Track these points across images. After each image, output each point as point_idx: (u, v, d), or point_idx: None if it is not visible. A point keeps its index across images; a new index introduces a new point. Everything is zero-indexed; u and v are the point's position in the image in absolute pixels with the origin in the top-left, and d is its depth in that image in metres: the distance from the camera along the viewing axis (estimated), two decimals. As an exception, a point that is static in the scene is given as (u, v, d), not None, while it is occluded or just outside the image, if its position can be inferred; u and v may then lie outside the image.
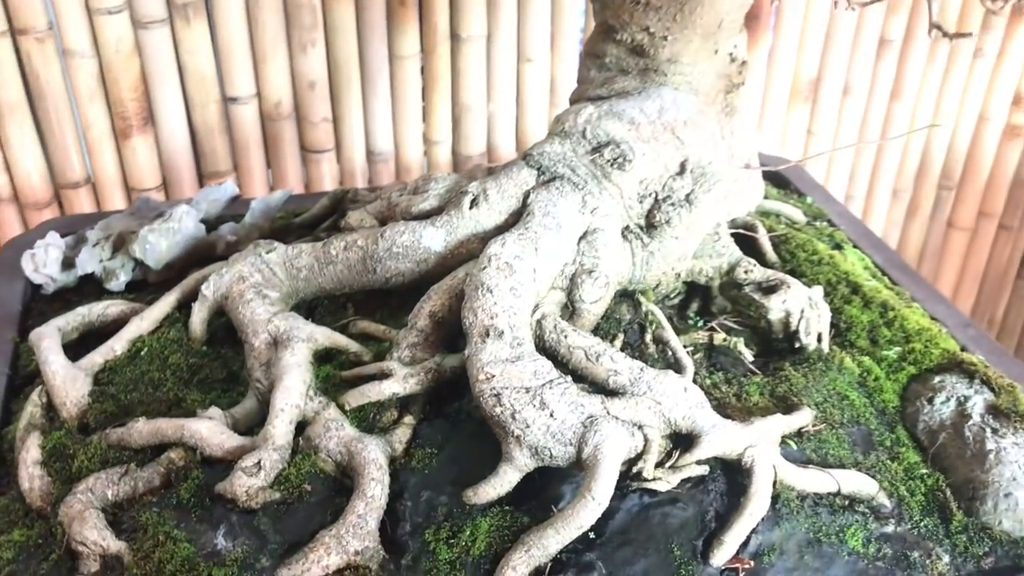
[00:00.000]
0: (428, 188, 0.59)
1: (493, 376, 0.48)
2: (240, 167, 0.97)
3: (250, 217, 0.67)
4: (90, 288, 0.66)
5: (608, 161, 0.56)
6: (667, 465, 0.49)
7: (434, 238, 0.56)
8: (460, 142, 1.01)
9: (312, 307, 0.61)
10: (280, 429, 0.50)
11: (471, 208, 0.56)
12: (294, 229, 0.69)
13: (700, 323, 0.61)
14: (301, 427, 0.52)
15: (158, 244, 0.63)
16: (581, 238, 0.55)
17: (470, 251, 0.56)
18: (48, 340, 0.56)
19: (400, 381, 0.52)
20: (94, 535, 0.46)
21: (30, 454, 0.52)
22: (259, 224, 0.67)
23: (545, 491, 0.49)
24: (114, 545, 0.46)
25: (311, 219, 0.69)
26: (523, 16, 0.96)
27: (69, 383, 0.55)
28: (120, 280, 0.64)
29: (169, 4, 0.87)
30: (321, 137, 0.97)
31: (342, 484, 0.50)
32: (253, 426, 0.53)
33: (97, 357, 0.57)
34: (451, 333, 0.55)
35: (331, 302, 0.61)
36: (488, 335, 0.49)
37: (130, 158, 0.93)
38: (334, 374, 0.55)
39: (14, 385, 0.58)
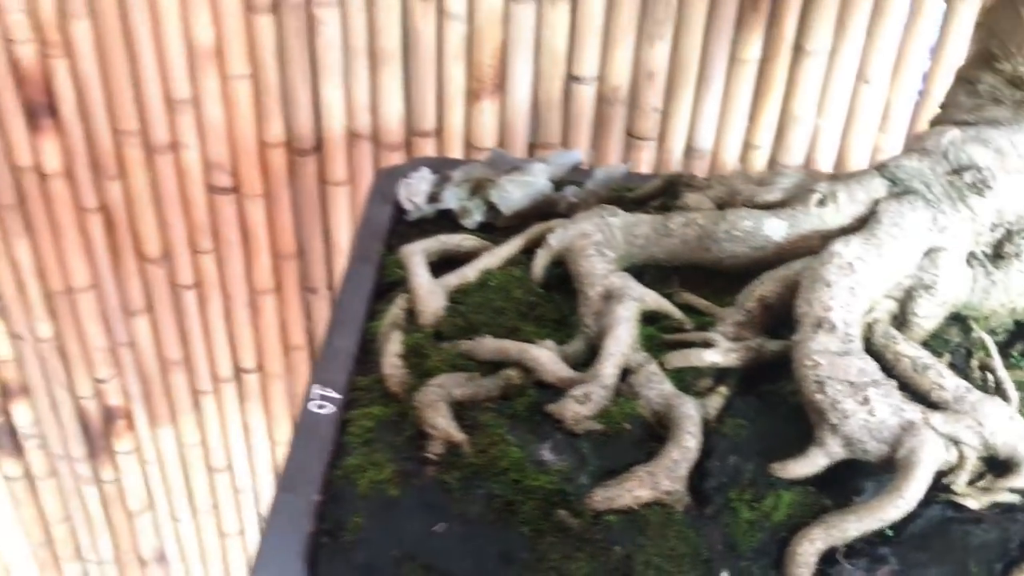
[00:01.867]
0: (774, 181, 0.62)
1: (819, 364, 0.51)
2: (567, 141, 1.04)
3: (591, 184, 0.73)
4: (444, 222, 0.74)
5: (967, 184, 0.56)
6: (979, 485, 0.49)
7: (775, 228, 0.60)
8: (780, 151, 1.02)
9: (640, 273, 0.65)
10: (608, 370, 0.55)
11: (818, 206, 0.59)
12: (625, 202, 0.75)
13: None
14: (624, 374, 0.57)
15: (513, 193, 0.71)
16: (925, 254, 0.56)
17: (809, 246, 0.59)
18: (417, 256, 0.65)
19: (722, 352, 0.56)
20: (443, 423, 0.54)
21: (392, 347, 0.60)
22: (598, 192, 0.73)
23: (847, 482, 0.51)
24: (458, 435, 0.53)
25: (643, 195, 0.74)
26: (871, 37, 0.96)
27: (430, 295, 0.63)
28: (474, 219, 0.72)
29: (541, -17, 0.95)
30: (648, 126, 1.02)
31: (655, 432, 0.54)
32: (578, 365, 0.59)
33: (452, 279, 0.65)
34: (774, 320, 0.58)
35: (658, 272, 0.66)
36: (820, 326, 0.52)
37: (476, 117, 1.03)
38: (656, 336, 0.60)
39: (379, 289, 0.67)
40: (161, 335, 1.21)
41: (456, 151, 1.05)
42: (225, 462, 1.33)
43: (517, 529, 0.50)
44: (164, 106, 1.04)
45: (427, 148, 1.05)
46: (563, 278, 0.65)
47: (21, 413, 1.30)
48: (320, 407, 0.57)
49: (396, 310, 0.63)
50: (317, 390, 0.58)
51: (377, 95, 1.02)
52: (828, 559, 0.48)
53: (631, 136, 1.03)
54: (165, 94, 1.03)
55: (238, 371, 1.24)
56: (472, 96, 1.02)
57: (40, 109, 1.05)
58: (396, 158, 1.06)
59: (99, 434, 1.31)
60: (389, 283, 0.68)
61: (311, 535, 0.50)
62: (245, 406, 1.27)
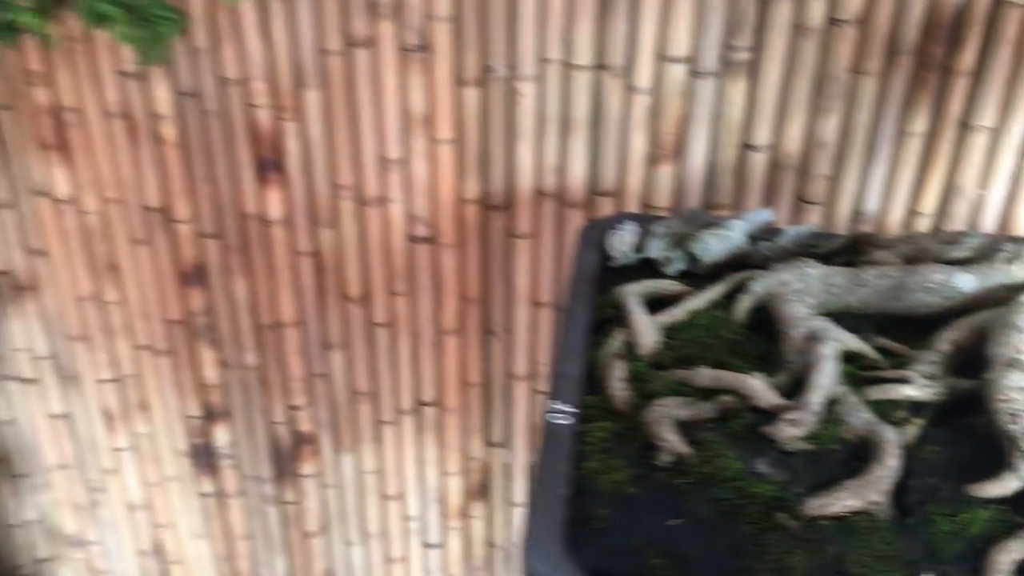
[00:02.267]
0: (962, 241, 0.70)
1: (1012, 399, 0.58)
2: (738, 203, 1.13)
3: (783, 239, 0.82)
4: (645, 269, 0.84)
5: None
6: None
7: (966, 281, 0.67)
8: (944, 218, 1.09)
9: (834, 319, 0.73)
10: (816, 399, 0.64)
11: (1005, 263, 0.66)
12: (814, 257, 0.83)
13: None
14: (828, 404, 0.65)
15: (713, 245, 0.80)
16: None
17: (996, 297, 0.66)
18: (633, 296, 0.75)
19: (918, 388, 0.64)
20: (670, 436, 0.63)
21: (616, 373, 0.70)
22: (788, 247, 0.82)
23: (1038, 505, 0.58)
24: (684, 448, 0.62)
25: (830, 251, 0.83)
26: (1036, 114, 1.03)
27: (647, 329, 0.73)
28: (675, 267, 0.82)
29: (722, 61, 1.05)
30: (817, 190, 1.10)
31: (859, 454, 0.62)
32: (785, 396, 0.67)
33: (664, 317, 0.74)
34: (964, 362, 0.65)
35: (851, 319, 0.74)
36: (1012, 365, 0.60)
37: (654, 180, 1.13)
38: (854, 373, 0.68)
39: (595, 324, 0.78)
40: (353, 368, 1.34)
41: (633, 210, 1.15)
42: (398, 490, 1.44)
43: (742, 527, 0.58)
44: (377, 165, 1.18)
45: (606, 207, 1.15)
46: (762, 320, 0.74)
47: (220, 435, 1.44)
48: (559, 419, 0.67)
49: (616, 342, 0.73)
50: (555, 406, 0.68)
51: (565, 158, 1.14)
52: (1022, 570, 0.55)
53: (800, 199, 1.11)
54: (379, 154, 1.18)
55: (418, 404, 1.35)
56: (652, 160, 1.12)
57: (269, 164, 1.21)
58: (577, 215, 1.17)
59: (287, 457, 1.44)
60: (603, 319, 0.78)
61: (564, 523, 0.59)
62: (421, 438, 1.38)
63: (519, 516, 1.42)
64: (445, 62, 1.11)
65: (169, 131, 1.20)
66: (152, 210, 1.26)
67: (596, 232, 0.86)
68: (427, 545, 1.48)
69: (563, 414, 0.67)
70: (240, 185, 1.23)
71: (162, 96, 1.18)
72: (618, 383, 0.69)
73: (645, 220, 0.87)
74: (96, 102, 1.19)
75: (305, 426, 1.41)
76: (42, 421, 1.48)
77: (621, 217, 0.88)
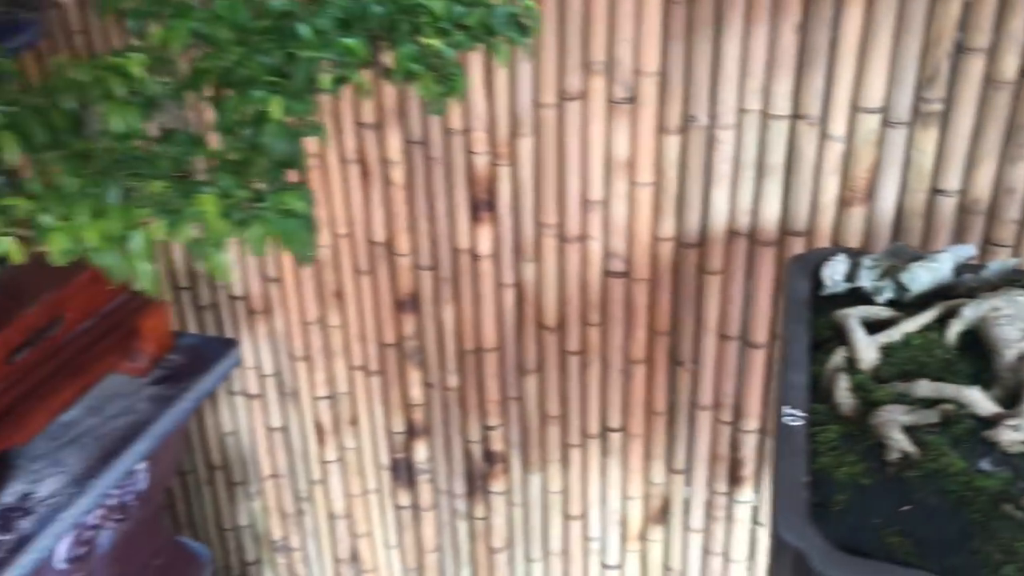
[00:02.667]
0: None
1: None
2: (926, 244, 1.20)
3: (987, 272, 0.89)
4: (852, 298, 0.92)
5: None
6: None
7: None
8: None
9: (1040, 343, 0.80)
10: (1034, 409, 0.71)
11: None
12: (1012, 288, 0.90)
13: None
14: (1043, 415, 0.72)
15: (922, 276, 0.88)
16: None
17: None
18: (852, 319, 0.84)
19: None
20: (898, 437, 0.71)
21: (842, 383, 0.78)
22: (991, 279, 0.89)
23: None
24: (910, 447, 0.70)
25: (1030, 285, 0.89)
26: None
27: (867, 347, 0.81)
28: (884, 296, 0.90)
29: (914, 111, 1.13)
30: (1005, 234, 1.16)
31: (1078, 460, 0.68)
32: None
33: (881, 337, 0.83)
34: None
35: (1055, 343, 0.80)
36: None
37: (844, 221, 1.21)
38: (1065, 389, 0.74)
39: (813, 343, 0.86)
40: (545, 393, 1.46)
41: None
42: (581, 511, 1.54)
43: (970, 515, 0.66)
44: (580, 205, 1.30)
45: (797, 246, 1.24)
46: (970, 344, 0.81)
47: (420, 451, 1.58)
48: (792, 421, 0.76)
49: (837, 358, 0.82)
50: (787, 409, 0.77)
51: (758, 200, 1.23)
52: None
53: (989, 243, 1.17)
54: (582, 196, 1.30)
55: (605, 429, 1.45)
56: (843, 203, 1.20)
57: (482, 204, 1.35)
58: (768, 253, 1.26)
59: (479, 475, 1.56)
60: (821, 340, 0.87)
61: (808, 505, 0.68)
62: (606, 461, 1.48)
63: (697, 542, 1.49)
64: (650, 112, 1.22)
65: (397, 175, 1.36)
66: (377, 244, 1.42)
67: (807, 263, 0.95)
68: (606, 566, 1.57)
69: (795, 416, 0.76)
70: (455, 223, 1.37)
71: (394, 144, 1.34)
72: (844, 392, 0.78)
73: (854, 253, 0.95)
74: (336, 149, 1.37)
75: (498, 445, 1.52)
76: (261, 433, 1.65)
77: (832, 250, 0.96)
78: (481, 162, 1.32)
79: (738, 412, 1.38)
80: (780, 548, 0.65)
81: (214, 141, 0.75)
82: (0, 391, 0.95)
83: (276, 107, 0.72)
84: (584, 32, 1.20)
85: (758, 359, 1.33)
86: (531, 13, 0.86)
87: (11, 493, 0.97)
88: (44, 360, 1.00)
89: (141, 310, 1.12)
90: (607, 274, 1.35)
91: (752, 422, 1.37)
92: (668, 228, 1.29)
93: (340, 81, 0.78)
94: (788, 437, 0.74)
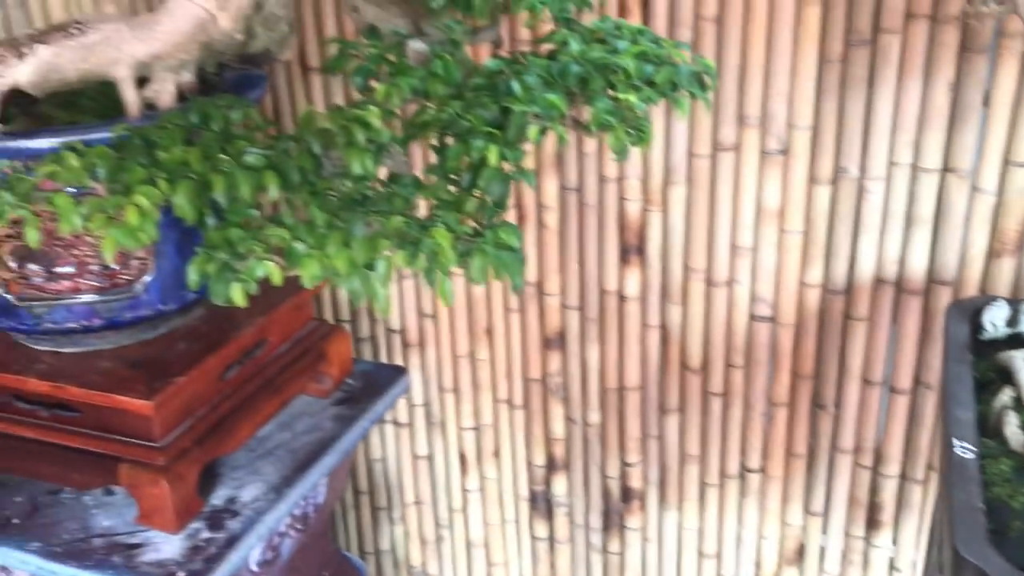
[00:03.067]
0: None
1: None
2: (1078, 297, 1.22)
3: None
4: (1013, 343, 0.96)
5: None
6: None
7: None
8: None
9: None
10: None
11: None
12: None
13: None
14: None
15: (1085, 322, 0.91)
16: None
17: None
18: (1020, 360, 0.88)
19: None
20: (1073, 471, 0.75)
21: (1011, 421, 0.82)
22: None
23: None
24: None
25: None
26: None
27: (1035, 388, 0.85)
28: (1044, 340, 0.94)
29: (1068, 166, 1.17)
30: None
31: None
32: None
33: (1047, 379, 0.86)
34: None
35: None
36: None
37: (993, 271, 1.24)
38: None
39: (976, 383, 0.90)
40: (686, 432, 1.51)
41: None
42: (715, 549, 1.57)
43: None
44: (729, 251, 1.37)
45: (944, 296, 1.27)
46: None
47: (559, 484, 1.64)
48: (964, 453, 0.80)
49: (1004, 397, 0.86)
50: (957, 443, 0.81)
51: (906, 250, 1.27)
52: None
53: None
54: (732, 242, 1.36)
55: (744, 470, 1.49)
56: (992, 254, 1.23)
57: (631, 249, 1.42)
58: (915, 302, 1.29)
59: (616, 510, 1.61)
60: (984, 380, 0.91)
61: (986, 530, 0.72)
62: (743, 501, 1.51)
63: (833, 585, 1.51)
64: (801, 163, 1.28)
65: (551, 219, 1.45)
66: (528, 284, 1.51)
67: (967, 309, 1.00)
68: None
69: (967, 449, 0.80)
70: (604, 266, 1.45)
71: (550, 191, 1.43)
72: (1014, 428, 0.82)
73: (1013, 301, 0.99)
74: (496, 194, 1.46)
75: (635, 482, 1.58)
76: (407, 461, 1.74)
77: (991, 298, 1.00)
78: (633, 208, 1.40)
79: (879, 456, 1.40)
80: (960, 570, 0.70)
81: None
82: (214, 405, 1.06)
83: (494, 155, 0.81)
84: (740, 87, 1.27)
85: (901, 405, 1.36)
86: (710, 71, 0.95)
87: (218, 496, 1.07)
88: (250, 378, 1.11)
89: (328, 336, 1.22)
90: (753, 318, 1.40)
91: (893, 467, 1.40)
92: (815, 275, 1.34)
93: (542, 132, 0.87)
94: (960, 468, 0.78)
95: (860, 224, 1.29)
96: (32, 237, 0.77)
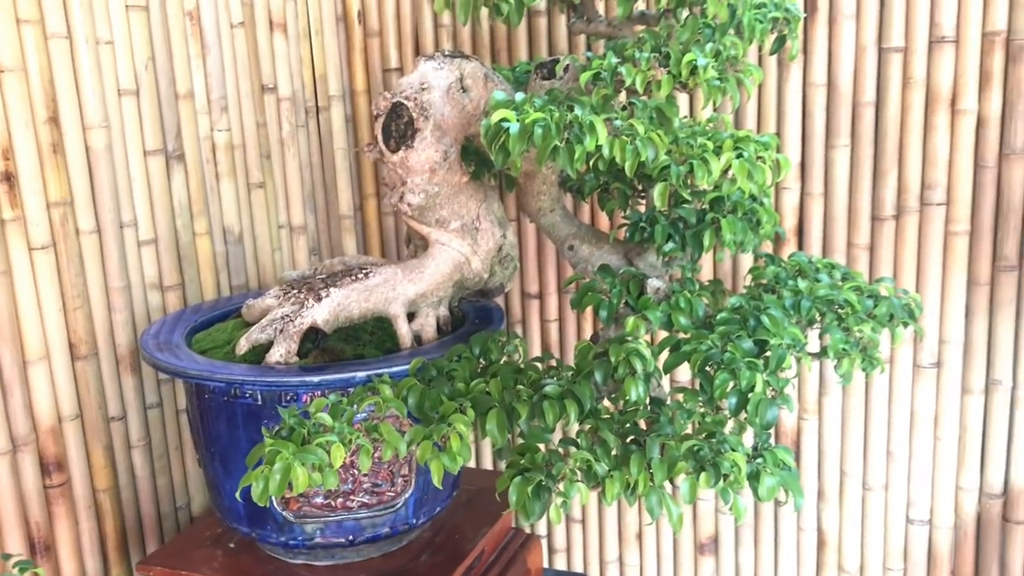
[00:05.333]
0: None
1: None
2: None
3: None
4: None
5: None
6: None
7: None
8: None
9: None
10: None
11: None
12: None
13: None
14: None
15: None
16: None
17: None
18: None
19: None
20: None
21: None
22: None
23: None
24: None
25: None
26: None
27: None
28: None
29: None
30: None
31: None
32: None
33: None
34: None
35: None
36: None
37: None
38: None
39: None
40: (844, 637, 1.53)
41: None
42: None
43: None
44: (884, 456, 1.45)
45: (1101, 499, 1.34)
46: None
47: None
48: None
49: None
50: None
51: (1059, 458, 1.36)
52: None
53: None
54: (886, 448, 1.44)
55: (906, 676, 1.51)
56: None
57: (785, 455, 1.50)
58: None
59: None
60: None
61: None
62: None
63: None
64: (954, 375, 1.39)
65: (706, 427, 1.53)
66: (682, 489, 1.57)
67: None
68: None
69: None
70: (758, 471, 1.52)
71: (706, 400, 1.52)
72: None
73: None
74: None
75: None
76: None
77: None
78: (788, 418, 1.49)
79: (1045, 661, 1.42)
80: None
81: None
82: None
83: (760, 383, 0.91)
84: (893, 307, 1.40)
85: (1066, 607, 1.40)
86: (918, 303, 1.06)
87: None
88: (470, 587, 1.17)
89: (525, 546, 1.29)
90: (908, 521, 1.46)
91: (1061, 672, 1.42)
92: (970, 479, 1.41)
93: (798, 361, 0.98)
94: None
95: (1014, 432, 1.37)
96: (364, 464, 0.86)
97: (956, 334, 1.37)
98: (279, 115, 1.48)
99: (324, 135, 1.58)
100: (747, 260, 1.42)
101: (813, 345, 1.36)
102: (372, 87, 1.58)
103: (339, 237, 1.61)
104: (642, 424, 0.96)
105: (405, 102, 1.05)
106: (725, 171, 0.93)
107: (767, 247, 1.41)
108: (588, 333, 1.56)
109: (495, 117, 0.91)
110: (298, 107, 1.51)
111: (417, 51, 1.54)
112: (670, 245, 1.07)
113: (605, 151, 0.91)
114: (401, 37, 1.55)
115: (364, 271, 1.04)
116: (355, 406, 0.90)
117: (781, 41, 1.09)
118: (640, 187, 1.13)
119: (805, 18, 1.32)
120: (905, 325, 1.05)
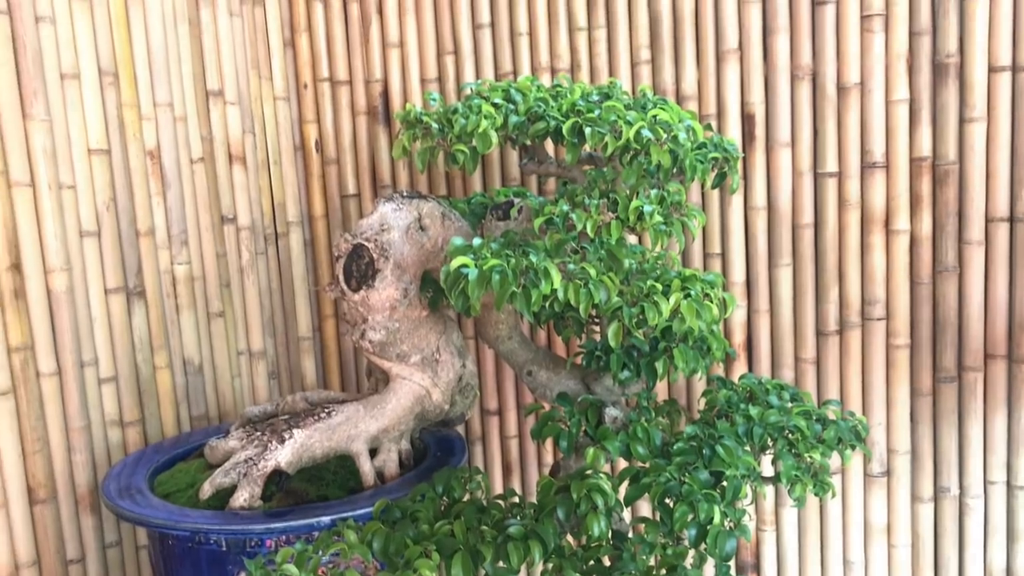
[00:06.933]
0: None
1: None
2: None
3: None
4: None
5: None
6: None
7: None
8: None
9: None
10: None
11: None
12: None
13: None
14: None
15: None
16: None
17: None
18: None
19: None
20: None
21: None
22: None
23: None
24: None
25: None
26: None
27: None
28: None
29: None
30: None
31: None
32: None
33: None
34: None
35: None
36: None
37: (1097, 579, 1.36)
38: None
39: None
40: None
41: (1081, 605, 1.36)
42: None
43: None
44: (841, 566, 1.47)
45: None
46: None
47: None
48: None
49: None
50: None
51: (1011, 561, 1.39)
52: None
53: None
54: (844, 557, 1.47)
55: None
56: (1093, 562, 1.36)
57: (748, 567, 1.52)
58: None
59: None
60: None
61: None
62: None
63: None
64: (904, 484, 1.43)
65: (667, 540, 1.55)
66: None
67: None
68: None
69: None
70: None
71: (666, 513, 1.54)
72: None
73: None
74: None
75: None
76: None
77: None
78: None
79: None
80: None
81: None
82: None
83: (718, 514, 0.94)
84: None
85: None
86: (864, 425, 1.11)
87: None
88: None
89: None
90: (873, 633, 1.48)
91: None
92: (927, 587, 1.44)
93: (753, 490, 1.01)
94: None
95: (964, 538, 1.41)
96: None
97: (903, 443, 1.42)
98: (239, 244, 1.50)
99: (283, 260, 1.61)
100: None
101: (767, 468, 1.41)
102: (330, 212, 1.61)
103: (298, 360, 1.62)
104: (606, 561, 0.98)
105: (366, 243, 1.08)
106: (675, 311, 0.98)
107: (718, 367, 1.46)
108: (548, 451, 1.58)
109: (454, 264, 0.94)
110: (257, 235, 1.54)
111: (374, 177, 1.59)
112: (625, 373, 1.11)
113: (560, 294, 0.94)
114: (358, 164, 1.59)
115: (326, 410, 1.06)
116: (320, 552, 0.90)
117: (722, 177, 1.15)
118: (595, 315, 1.17)
119: (744, 157, 1.39)
120: (853, 448, 1.09)
